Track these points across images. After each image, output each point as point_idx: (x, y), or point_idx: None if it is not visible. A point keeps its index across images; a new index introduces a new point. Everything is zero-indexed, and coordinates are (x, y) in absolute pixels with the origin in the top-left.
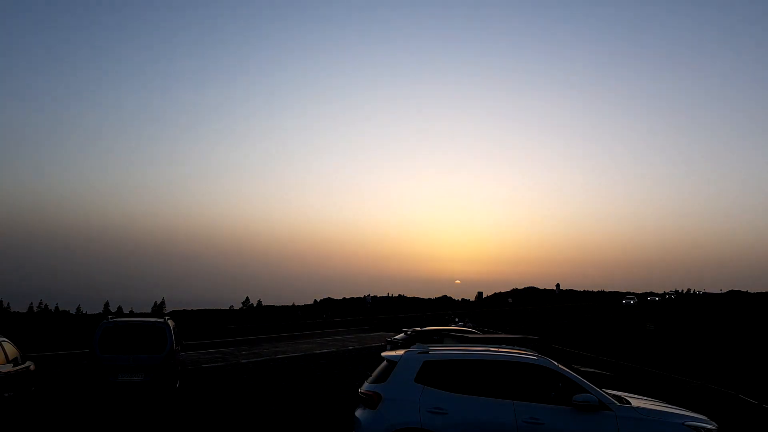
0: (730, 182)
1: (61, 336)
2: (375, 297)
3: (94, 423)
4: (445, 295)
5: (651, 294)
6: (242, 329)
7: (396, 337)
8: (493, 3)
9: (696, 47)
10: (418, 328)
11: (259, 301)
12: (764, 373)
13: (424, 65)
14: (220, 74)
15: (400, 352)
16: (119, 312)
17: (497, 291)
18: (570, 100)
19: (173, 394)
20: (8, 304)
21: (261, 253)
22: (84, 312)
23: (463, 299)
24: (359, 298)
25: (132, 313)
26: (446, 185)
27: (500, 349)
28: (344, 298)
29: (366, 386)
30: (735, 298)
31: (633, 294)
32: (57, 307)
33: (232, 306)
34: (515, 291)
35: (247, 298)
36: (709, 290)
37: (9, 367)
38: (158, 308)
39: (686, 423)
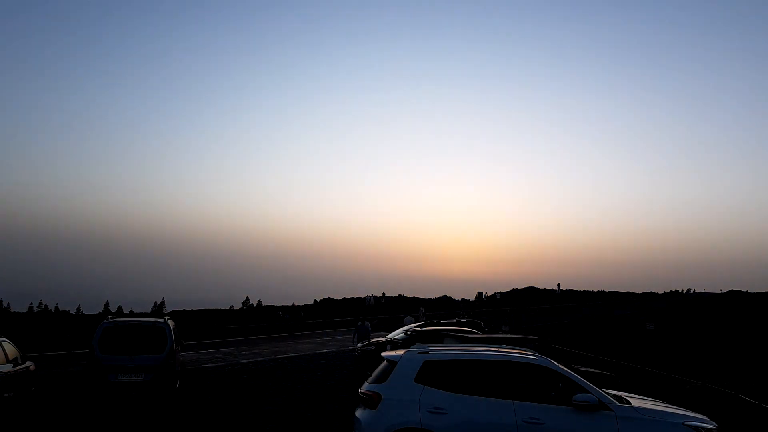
0: (730, 183)
1: (61, 336)
2: (375, 297)
3: (94, 423)
4: (445, 295)
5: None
6: (242, 329)
7: (396, 336)
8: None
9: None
10: (418, 328)
11: (259, 301)
12: (764, 373)
13: (428, 73)
14: (221, 75)
15: (400, 352)
16: (119, 312)
17: (497, 291)
18: (571, 102)
19: (173, 394)
20: (8, 304)
21: (261, 253)
22: (84, 312)
23: (463, 299)
24: (359, 298)
25: (132, 313)
26: (446, 185)
27: (500, 349)
28: (344, 298)
29: (366, 386)
30: (735, 298)
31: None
32: (57, 307)
33: (232, 306)
34: (515, 291)
35: (247, 298)
36: (709, 290)
37: (9, 367)
38: (158, 308)
39: (686, 423)
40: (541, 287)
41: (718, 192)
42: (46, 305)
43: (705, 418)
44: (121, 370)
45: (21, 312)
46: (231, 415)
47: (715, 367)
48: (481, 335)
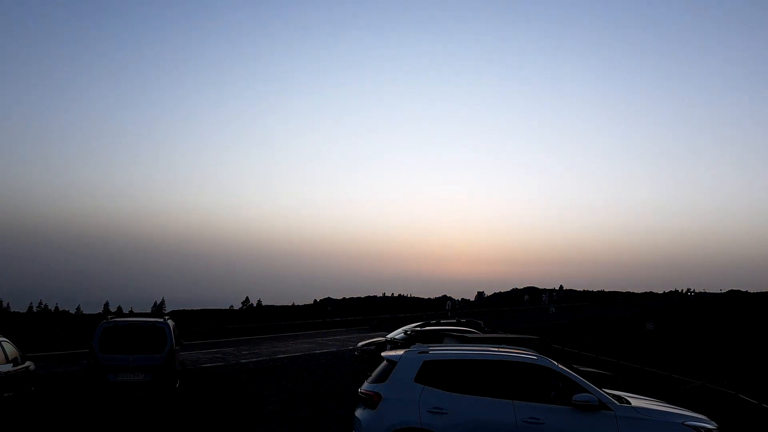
0: (730, 183)
1: (61, 336)
2: (376, 297)
3: (94, 423)
4: (445, 295)
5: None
6: (242, 329)
7: (396, 336)
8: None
9: (698, 48)
10: (418, 328)
11: (259, 301)
12: (764, 373)
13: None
14: (222, 76)
15: (400, 352)
16: (119, 312)
17: (497, 291)
18: (571, 102)
19: (173, 394)
20: (8, 304)
21: (261, 253)
22: (84, 312)
23: (462, 299)
24: (359, 298)
25: (132, 313)
26: (446, 186)
27: (500, 349)
28: (344, 298)
29: (366, 386)
30: (735, 298)
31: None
32: (57, 307)
33: (232, 306)
34: (515, 291)
35: (247, 298)
36: (709, 290)
37: (9, 367)
38: (158, 308)
39: (686, 423)
40: (541, 287)
41: (718, 192)
42: (46, 305)
43: (705, 418)
44: (121, 369)
45: (21, 312)
46: (231, 415)
47: (714, 367)
48: (481, 335)
